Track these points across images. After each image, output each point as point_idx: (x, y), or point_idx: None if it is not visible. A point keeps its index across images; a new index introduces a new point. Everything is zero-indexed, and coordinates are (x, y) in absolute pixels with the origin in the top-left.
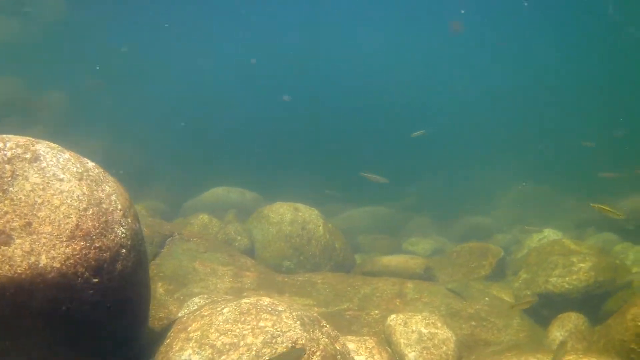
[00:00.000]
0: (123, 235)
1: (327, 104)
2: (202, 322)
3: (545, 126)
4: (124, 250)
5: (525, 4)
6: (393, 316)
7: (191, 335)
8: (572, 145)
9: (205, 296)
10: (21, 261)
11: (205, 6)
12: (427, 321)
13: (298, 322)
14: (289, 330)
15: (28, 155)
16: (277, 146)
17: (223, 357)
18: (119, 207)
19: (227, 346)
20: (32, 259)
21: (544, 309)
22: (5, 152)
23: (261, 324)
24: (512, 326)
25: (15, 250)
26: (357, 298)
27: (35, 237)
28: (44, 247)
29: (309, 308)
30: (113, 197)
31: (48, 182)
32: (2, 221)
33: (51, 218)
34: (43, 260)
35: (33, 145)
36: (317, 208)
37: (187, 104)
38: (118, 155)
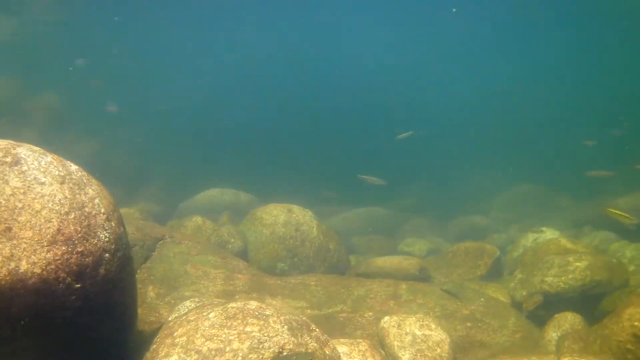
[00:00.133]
0: (106, 239)
1: (324, 104)
2: (188, 327)
3: (543, 125)
4: (107, 255)
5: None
6: (386, 318)
7: (177, 340)
8: (570, 144)
9: (197, 299)
10: (1, 267)
11: (196, 6)
12: (421, 323)
13: (286, 327)
14: (276, 335)
15: (8, 159)
16: (273, 147)
17: None
18: (102, 210)
19: (213, 352)
20: (12, 264)
21: (540, 309)
22: None
23: (248, 328)
24: (508, 327)
25: None
26: (350, 300)
27: (15, 242)
28: (25, 253)
29: (302, 311)
30: (96, 201)
31: (29, 186)
32: None
33: (32, 223)
34: (23, 265)
35: (14, 149)
36: (312, 209)
37: (184, 104)
38: (113, 157)
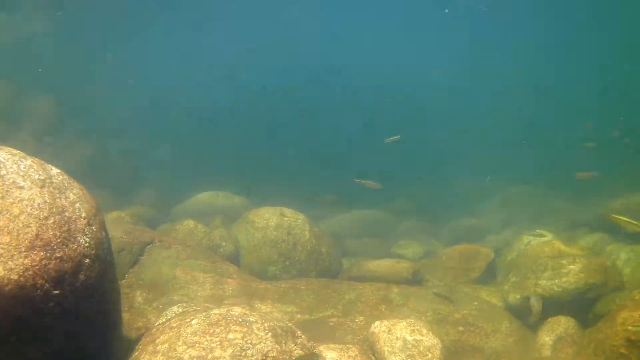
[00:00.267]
0: (87, 244)
1: (319, 106)
2: (171, 334)
3: (538, 125)
4: (87, 260)
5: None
6: (377, 323)
7: (159, 347)
8: (566, 145)
9: (185, 304)
10: None
11: (185, 6)
12: (412, 328)
13: (270, 334)
14: (260, 343)
15: None
16: (269, 148)
17: None
18: (83, 215)
19: (195, 359)
20: None
21: (533, 316)
22: None
23: (230, 336)
24: (501, 331)
25: None
26: (341, 304)
27: None
28: (1, 258)
29: (292, 315)
30: (77, 205)
31: (7, 190)
32: None
33: (10, 227)
34: (0, 272)
35: None
36: (309, 211)
37: (178, 106)
38: (108, 161)
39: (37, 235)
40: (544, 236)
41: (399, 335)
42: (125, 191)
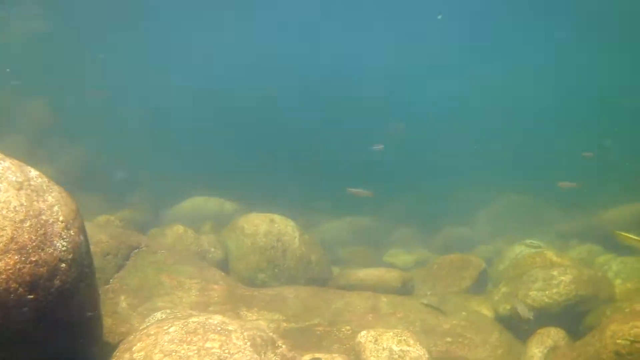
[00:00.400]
0: (63, 248)
1: (312, 112)
2: (147, 341)
3: (530, 134)
4: (63, 265)
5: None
6: (364, 332)
7: (135, 356)
8: (560, 154)
9: (168, 311)
10: None
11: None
12: (399, 338)
13: (249, 343)
14: (238, 352)
15: None
16: (262, 154)
17: None
18: (61, 218)
19: None
20: None
21: (524, 323)
22: None
23: (208, 344)
24: (490, 342)
25: None
26: (328, 313)
27: None
28: None
29: (278, 323)
30: (55, 208)
31: None
32: None
33: None
34: None
35: None
36: (298, 218)
37: (172, 108)
38: (100, 164)
39: (12, 238)
40: (539, 247)
41: (385, 346)
42: (118, 194)
